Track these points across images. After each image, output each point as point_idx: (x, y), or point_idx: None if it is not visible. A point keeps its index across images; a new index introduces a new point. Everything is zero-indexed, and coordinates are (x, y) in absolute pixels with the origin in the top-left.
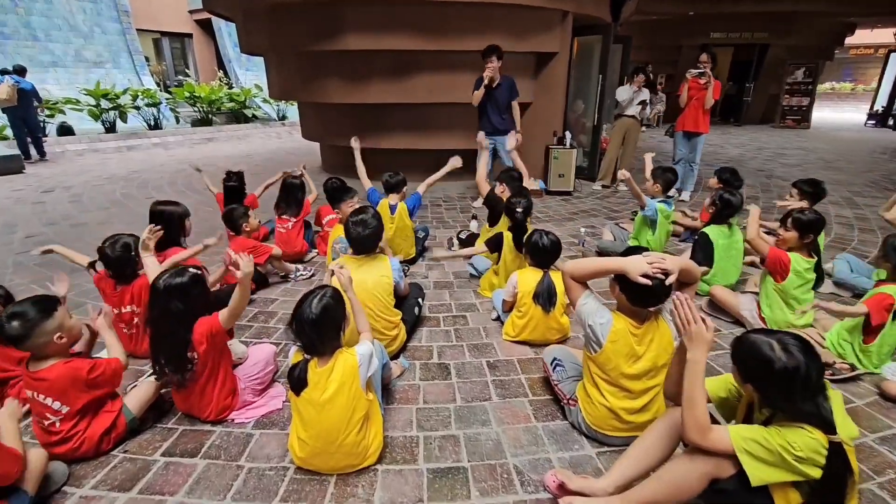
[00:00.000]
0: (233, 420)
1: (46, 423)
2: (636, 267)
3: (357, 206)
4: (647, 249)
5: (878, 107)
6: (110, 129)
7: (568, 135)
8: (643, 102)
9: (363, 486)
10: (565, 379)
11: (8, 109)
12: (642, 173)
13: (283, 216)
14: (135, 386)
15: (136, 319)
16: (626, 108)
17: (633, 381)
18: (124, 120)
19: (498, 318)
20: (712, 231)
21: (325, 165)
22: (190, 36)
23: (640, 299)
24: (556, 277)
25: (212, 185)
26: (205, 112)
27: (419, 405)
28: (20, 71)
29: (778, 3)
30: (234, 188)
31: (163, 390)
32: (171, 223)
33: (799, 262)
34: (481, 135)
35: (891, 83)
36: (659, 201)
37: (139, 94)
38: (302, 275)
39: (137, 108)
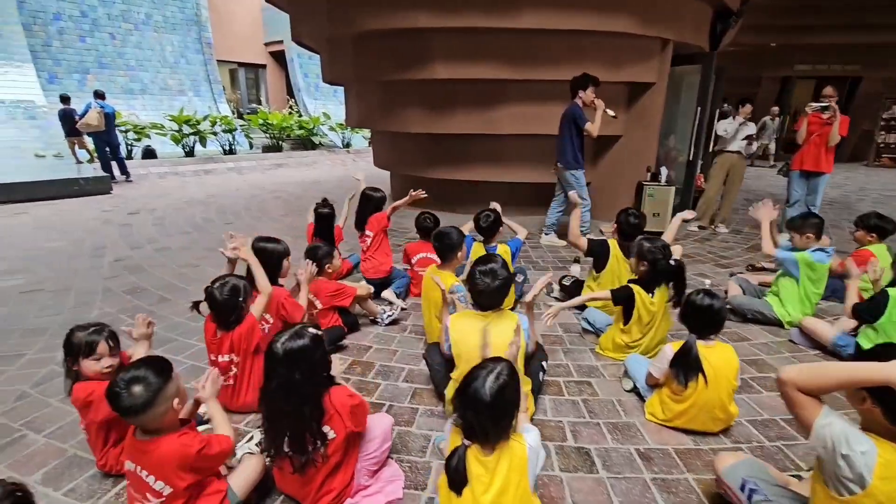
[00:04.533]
0: None
1: None
2: None
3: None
4: None
5: None
6: (189, 153)
7: (664, 171)
8: (749, 137)
9: None
10: None
11: (94, 134)
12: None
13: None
14: (239, 461)
15: (234, 369)
16: (730, 143)
17: None
18: (203, 144)
19: (633, 390)
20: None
21: (394, 194)
22: (264, 67)
23: None
24: (724, 352)
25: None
26: (275, 138)
27: None
28: (101, 95)
29: (872, 34)
30: (326, 215)
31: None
32: (270, 261)
33: None
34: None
35: None
36: (813, 250)
37: (217, 120)
38: (390, 315)
39: (215, 133)
